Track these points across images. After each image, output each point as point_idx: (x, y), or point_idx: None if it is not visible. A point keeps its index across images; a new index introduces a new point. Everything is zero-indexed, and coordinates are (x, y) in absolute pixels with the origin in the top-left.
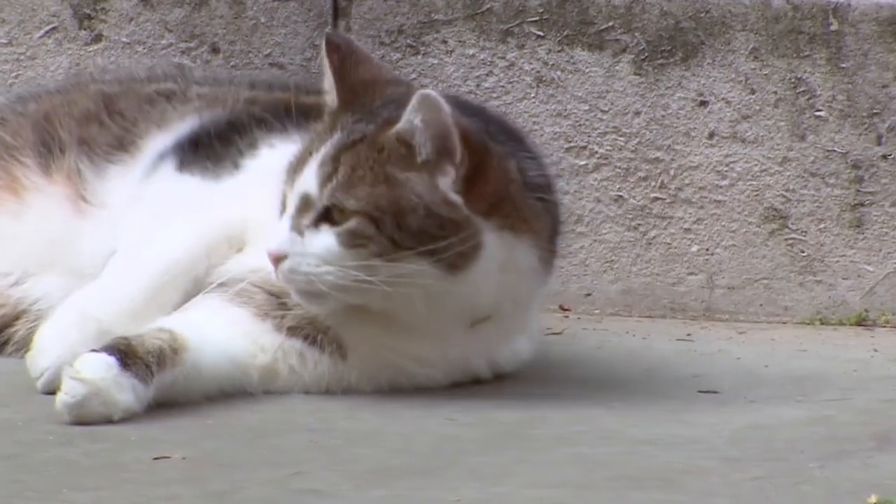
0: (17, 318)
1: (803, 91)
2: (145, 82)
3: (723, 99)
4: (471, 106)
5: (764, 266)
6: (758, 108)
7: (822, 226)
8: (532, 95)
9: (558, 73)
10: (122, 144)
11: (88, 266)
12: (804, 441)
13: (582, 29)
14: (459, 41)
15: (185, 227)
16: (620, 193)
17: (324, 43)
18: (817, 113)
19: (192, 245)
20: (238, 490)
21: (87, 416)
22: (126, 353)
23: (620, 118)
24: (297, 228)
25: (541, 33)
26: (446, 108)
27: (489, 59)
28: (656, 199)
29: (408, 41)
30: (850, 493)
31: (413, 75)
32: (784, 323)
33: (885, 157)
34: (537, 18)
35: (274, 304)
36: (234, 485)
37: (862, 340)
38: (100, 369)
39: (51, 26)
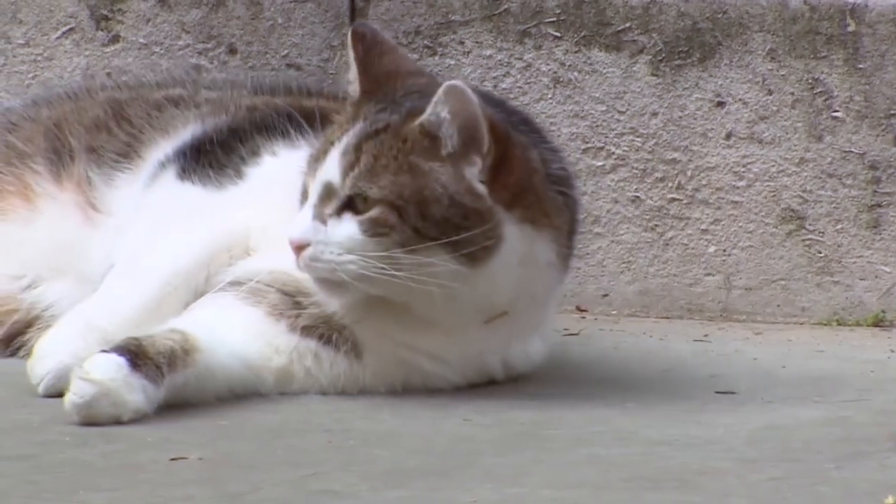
0: (29, 324)
1: (820, 92)
2: (155, 88)
3: (740, 100)
4: (492, 98)
5: (781, 267)
6: (775, 108)
7: (839, 227)
8: (549, 96)
9: (575, 73)
10: (129, 152)
11: (98, 273)
12: (821, 442)
13: (599, 30)
14: (477, 42)
15: (186, 237)
16: (637, 194)
17: (350, 33)
18: (834, 114)
19: (193, 255)
20: (254, 491)
21: (96, 417)
22: (136, 354)
23: (638, 119)
24: (320, 217)
25: (558, 34)
26: (474, 98)
27: (506, 59)
28: (673, 199)
29: (425, 42)
30: (867, 493)
31: None
32: (801, 324)
33: None
34: (554, 19)
35: (288, 303)
36: (250, 486)
37: (879, 341)
38: (109, 370)
39: (68, 27)
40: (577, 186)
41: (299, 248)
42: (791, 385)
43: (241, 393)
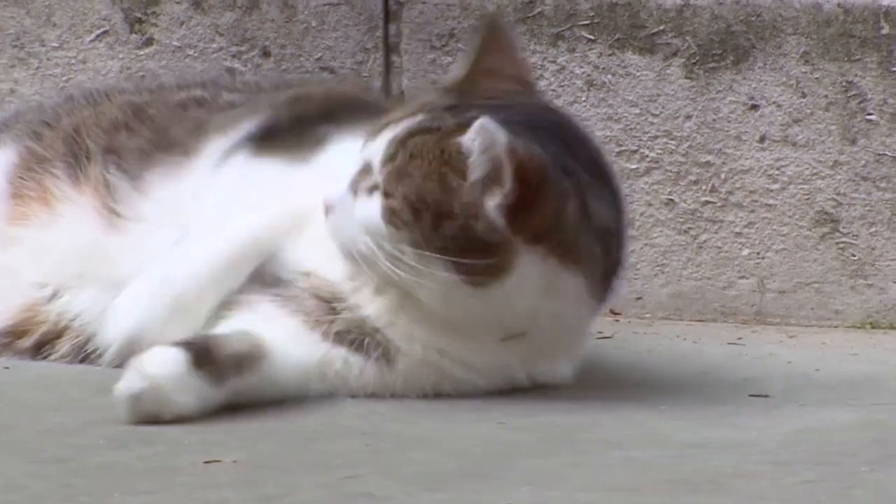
0: (59, 335)
1: (854, 95)
2: (175, 90)
3: (774, 103)
4: (559, 126)
5: (815, 270)
6: (809, 111)
7: (872, 230)
8: (583, 99)
9: (609, 76)
10: (160, 150)
11: (125, 280)
12: (855, 445)
13: (633, 33)
14: None
15: (263, 208)
16: (671, 197)
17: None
18: (868, 117)
19: (268, 225)
20: (290, 494)
21: (141, 411)
22: (202, 353)
23: (671, 122)
24: (354, 187)
25: (591, 37)
26: (502, 140)
27: (540, 62)
28: (707, 202)
29: (459, 45)
30: None
31: None
32: (835, 327)
33: None
34: (588, 22)
35: (324, 309)
36: (285, 488)
37: None
38: (166, 366)
39: (102, 30)
40: (626, 236)
41: (328, 208)
42: (825, 388)
43: (287, 399)
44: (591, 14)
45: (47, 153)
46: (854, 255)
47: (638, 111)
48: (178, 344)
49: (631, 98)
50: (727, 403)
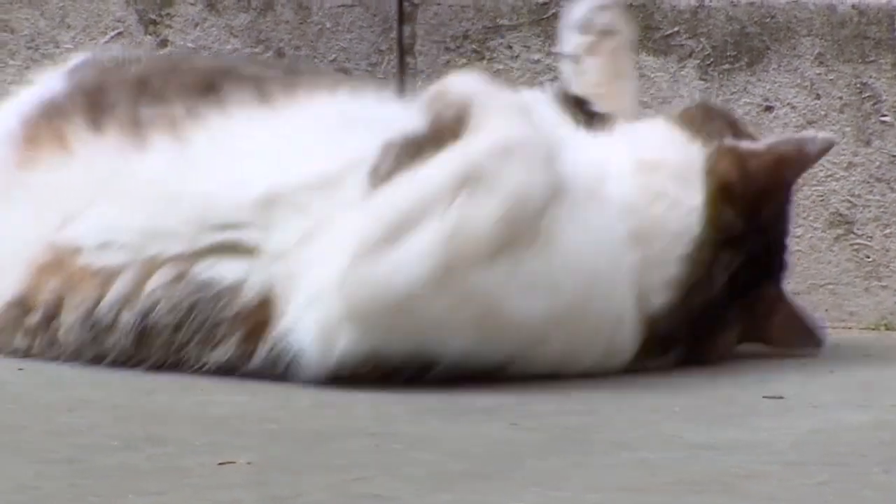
0: (75, 287)
1: (868, 96)
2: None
3: (788, 104)
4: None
5: (829, 271)
6: (823, 113)
7: (887, 231)
8: None
9: None
10: (197, 93)
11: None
12: (867, 446)
13: (647, 34)
14: (525, 46)
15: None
16: None
17: None
18: (882, 118)
19: None
20: (300, 495)
21: None
22: None
23: None
24: None
25: None
26: None
27: (554, 64)
28: None
29: (473, 46)
30: None
31: None
32: (849, 328)
33: None
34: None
35: None
36: (295, 489)
37: None
38: None
39: (116, 31)
40: None
41: None
42: (838, 389)
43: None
44: None
45: (68, 107)
46: (868, 257)
47: (653, 113)
48: None
49: (645, 99)
50: (740, 404)
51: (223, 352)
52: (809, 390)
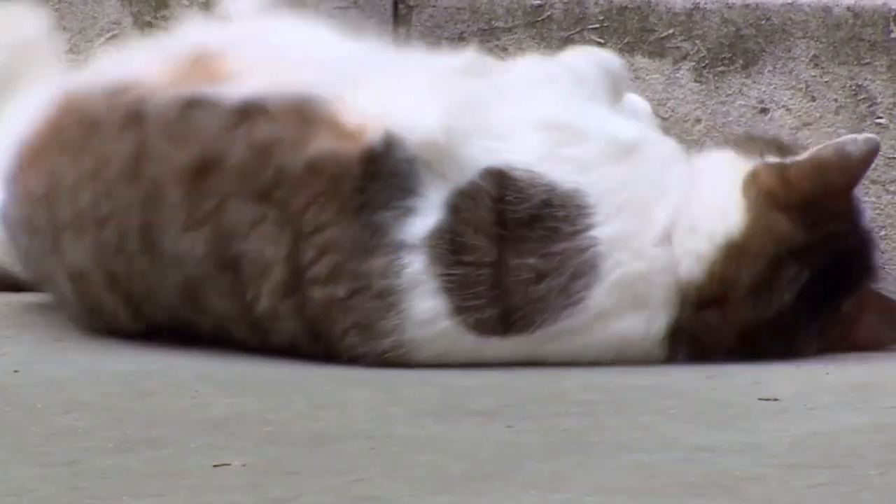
0: None
1: (864, 98)
2: None
3: (783, 106)
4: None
5: None
6: (818, 115)
7: (882, 233)
8: None
9: None
10: None
11: None
12: (865, 448)
13: (642, 36)
14: (520, 48)
15: None
16: None
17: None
18: (878, 120)
19: None
20: (297, 497)
21: None
22: None
23: (681, 125)
24: None
25: (601, 41)
26: None
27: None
28: None
29: (468, 48)
30: None
31: None
32: None
33: None
34: (598, 26)
35: None
36: (293, 492)
37: None
38: None
39: (112, 34)
40: None
41: None
42: (835, 391)
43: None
44: (601, 18)
45: None
46: None
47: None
48: None
49: None
50: (737, 406)
51: None
52: (805, 392)
